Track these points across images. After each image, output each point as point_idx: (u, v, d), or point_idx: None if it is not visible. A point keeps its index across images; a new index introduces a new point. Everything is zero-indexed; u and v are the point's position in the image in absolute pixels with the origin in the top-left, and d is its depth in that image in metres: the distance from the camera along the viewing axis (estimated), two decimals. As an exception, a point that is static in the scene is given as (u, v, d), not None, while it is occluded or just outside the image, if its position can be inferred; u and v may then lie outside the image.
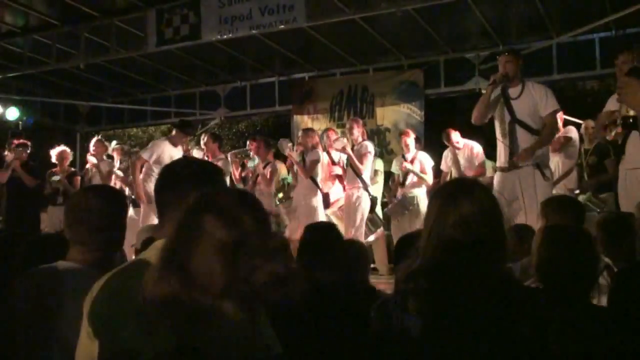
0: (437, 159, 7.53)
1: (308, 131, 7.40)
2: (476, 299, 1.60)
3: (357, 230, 6.73)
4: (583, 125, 6.82)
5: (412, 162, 7.36)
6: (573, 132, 6.60)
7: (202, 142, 8.06)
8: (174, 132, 7.36)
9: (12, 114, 9.13)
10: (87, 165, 8.32)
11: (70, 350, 1.82)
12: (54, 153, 8.20)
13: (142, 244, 3.78)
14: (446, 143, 7.34)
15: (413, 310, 1.65)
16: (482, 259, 1.66)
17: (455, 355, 1.56)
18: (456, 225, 1.69)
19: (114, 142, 9.10)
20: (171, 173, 1.73)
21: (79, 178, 8.22)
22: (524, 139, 4.97)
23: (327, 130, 7.79)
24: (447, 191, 1.82)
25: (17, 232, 5.04)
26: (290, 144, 7.23)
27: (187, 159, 2.30)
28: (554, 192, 6.13)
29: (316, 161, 6.97)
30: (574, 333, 1.80)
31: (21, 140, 8.07)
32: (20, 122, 9.32)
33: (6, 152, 7.76)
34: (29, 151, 7.89)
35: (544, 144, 5.05)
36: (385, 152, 8.81)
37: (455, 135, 7.28)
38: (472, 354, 1.56)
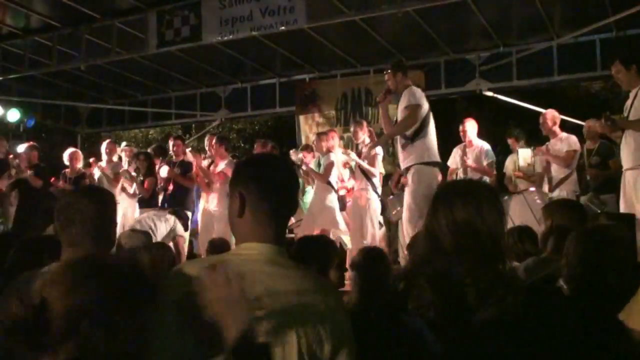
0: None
1: (322, 135, 7.40)
2: (458, 302, 1.59)
3: (374, 236, 6.69)
4: (585, 124, 6.80)
5: None
6: (576, 144, 6.54)
7: (206, 144, 8.03)
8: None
9: (13, 115, 9.14)
10: (94, 168, 8.31)
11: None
12: (65, 154, 8.23)
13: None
14: (462, 137, 7.27)
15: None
16: (472, 262, 1.65)
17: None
18: (449, 229, 1.68)
19: (123, 144, 9.09)
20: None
21: (87, 181, 8.22)
22: (400, 142, 5.55)
23: (329, 132, 7.80)
24: (443, 193, 1.82)
25: (10, 233, 5.05)
26: (300, 155, 7.26)
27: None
28: (554, 195, 6.16)
29: (331, 165, 6.98)
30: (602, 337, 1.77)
31: (31, 143, 8.09)
32: (21, 124, 9.32)
33: (11, 156, 7.75)
34: (38, 153, 7.94)
35: (389, 135, 5.86)
36: (387, 155, 8.80)
37: (471, 127, 7.20)
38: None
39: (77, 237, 2.03)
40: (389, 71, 5.70)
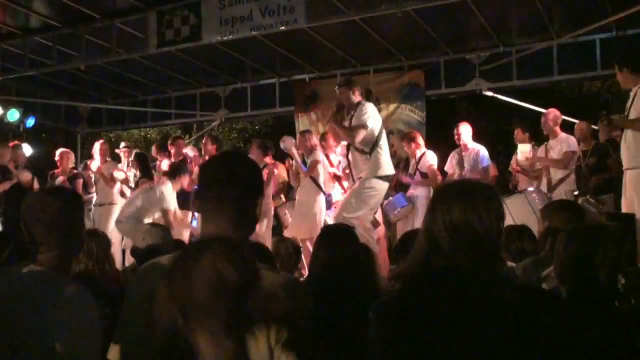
0: (438, 160, 7.51)
1: (305, 133, 7.40)
2: (457, 301, 1.59)
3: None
4: (576, 127, 6.80)
5: (419, 160, 7.35)
6: (574, 145, 6.53)
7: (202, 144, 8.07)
8: None
9: (13, 115, 9.14)
10: (90, 169, 8.30)
11: (27, 352, 1.82)
12: (57, 155, 8.24)
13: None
14: (456, 140, 7.27)
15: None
16: (470, 262, 1.64)
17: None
18: (447, 229, 1.68)
19: (122, 144, 9.09)
20: (249, 172, 1.71)
21: (81, 181, 8.22)
22: (357, 154, 5.88)
23: (325, 133, 7.78)
24: (442, 193, 1.82)
25: (1, 234, 5.04)
26: (294, 142, 7.24)
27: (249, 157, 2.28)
28: (553, 196, 6.15)
29: (317, 162, 6.97)
30: (600, 336, 1.77)
31: (15, 142, 8.11)
32: (21, 124, 9.33)
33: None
34: (23, 151, 7.95)
35: (342, 132, 6.01)
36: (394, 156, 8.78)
37: (465, 130, 7.21)
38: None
39: (42, 236, 2.04)
40: (339, 87, 6.10)
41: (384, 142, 5.91)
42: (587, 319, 1.83)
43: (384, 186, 5.90)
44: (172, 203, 6.66)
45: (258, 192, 1.68)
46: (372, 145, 5.81)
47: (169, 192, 6.70)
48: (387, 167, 5.91)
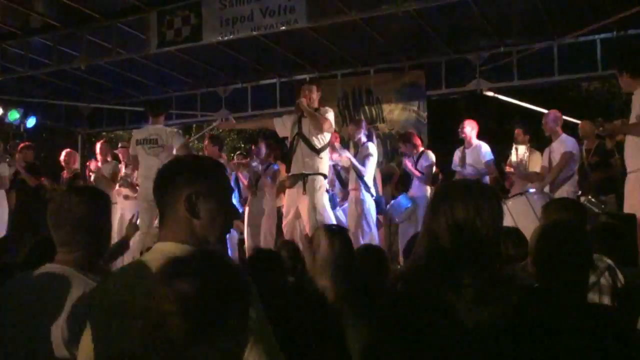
0: (439, 159, 7.52)
1: None
2: (459, 301, 1.58)
3: (373, 237, 6.67)
4: (580, 126, 6.81)
5: (417, 160, 7.35)
6: (572, 145, 6.51)
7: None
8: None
9: (14, 115, 9.13)
10: (91, 168, 8.30)
11: (54, 349, 1.82)
12: (62, 155, 8.27)
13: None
14: (460, 134, 7.26)
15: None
16: (471, 262, 1.64)
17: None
18: (448, 228, 1.67)
19: (120, 144, 9.09)
20: (165, 171, 1.68)
21: (81, 181, 8.22)
22: (306, 150, 6.05)
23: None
24: (443, 193, 1.82)
25: (11, 235, 5.05)
26: None
27: (182, 156, 2.27)
28: (555, 196, 6.14)
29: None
30: (569, 330, 1.78)
31: (26, 142, 8.13)
32: (21, 124, 9.32)
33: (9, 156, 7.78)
34: (33, 152, 7.99)
35: (306, 110, 6.11)
36: (397, 155, 8.81)
37: (470, 127, 7.20)
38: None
39: (68, 237, 2.02)
40: (313, 86, 6.27)
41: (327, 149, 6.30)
42: (558, 314, 1.84)
43: (324, 182, 6.21)
44: None
45: (179, 189, 1.60)
46: (324, 146, 6.08)
47: None
48: (327, 167, 6.35)
